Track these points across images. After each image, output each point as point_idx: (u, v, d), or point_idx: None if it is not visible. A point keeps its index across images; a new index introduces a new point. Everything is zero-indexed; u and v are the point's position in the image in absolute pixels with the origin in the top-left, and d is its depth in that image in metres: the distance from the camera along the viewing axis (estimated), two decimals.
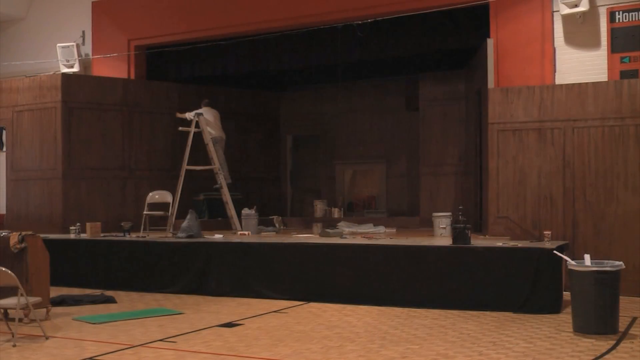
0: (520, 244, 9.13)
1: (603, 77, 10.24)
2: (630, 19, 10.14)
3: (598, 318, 7.12)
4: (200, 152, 13.20)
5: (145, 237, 11.56)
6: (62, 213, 12.80)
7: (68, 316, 8.60)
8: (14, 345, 6.93)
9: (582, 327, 7.19)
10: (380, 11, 11.91)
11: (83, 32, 14.62)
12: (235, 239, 10.98)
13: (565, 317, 7.91)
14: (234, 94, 15.45)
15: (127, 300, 9.94)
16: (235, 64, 14.19)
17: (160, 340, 7.17)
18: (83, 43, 14.62)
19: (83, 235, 11.79)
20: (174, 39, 14.00)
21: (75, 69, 14.33)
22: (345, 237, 10.86)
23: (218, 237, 11.15)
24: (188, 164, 12.83)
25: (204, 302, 9.59)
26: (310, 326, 7.82)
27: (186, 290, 10.33)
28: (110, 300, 9.80)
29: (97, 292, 10.34)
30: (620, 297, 7.30)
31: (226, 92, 15.21)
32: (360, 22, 11.82)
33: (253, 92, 15.96)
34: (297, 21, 12.73)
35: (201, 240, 10.84)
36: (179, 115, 13.39)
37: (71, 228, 11.98)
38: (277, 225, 13.12)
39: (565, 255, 8.02)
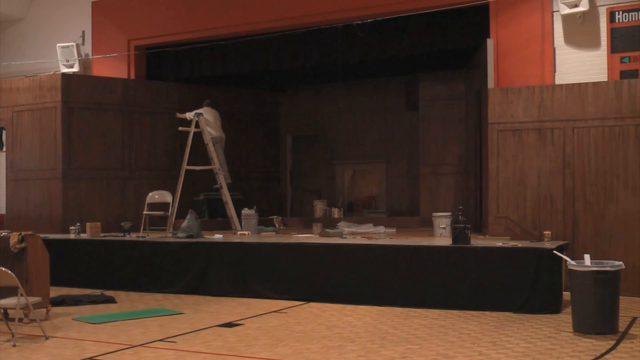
0: (520, 244, 9.13)
1: (603, 77, 10.24)
2: (630, 19, 10.14)
3: (598, 318, 7.12)
4: (200, 152, 13.21)
5: (145, 237, 11.56)
6: (62, 213, 12.80)
7: (68, 316, 8.60)
8: (14, 345, 6.93)
9: (582, 327, 7.19)
10: (380, 11, 11.91)
11: (83, 32, 14.62)
12: (235, 239, 10.98)
13: (565, 317, 7.91)
14: (234, 94, 15.44)
15: (127, 300, 9.94)
16: (235, 64, 14.18)
17: (160, 340, 7.17)
18: (83, 43, 14.62)
19: (83, 235, 11.79)
20: (174, 39, 14.00)
21: (75, 69, 14.34)
22: (345, 237, 10.85)
23: (218, 237, 11.15)
24: (188, 164, 12.84)
25: (204, 302, 9.59)
26: (310, 326, 7.82)
27: (186, 290, 10.33)
28: (110, 300, 9.80)
29: (97, 292, 10.34)
30: (620, 297, 7.30)
31: (226, 92, 15.20)
32: (360, 22, 11.82)
33: (253, 92, 15.95)
34: (297, 21, 12.73)
35: (201, 240, 10.84)
36: (179, 115, 13.39)
37: (71, 228, 11.98)
38: (277, 225, 13.12)
39: (565, 255, 8.02)
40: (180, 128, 13.14)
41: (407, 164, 15.45)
